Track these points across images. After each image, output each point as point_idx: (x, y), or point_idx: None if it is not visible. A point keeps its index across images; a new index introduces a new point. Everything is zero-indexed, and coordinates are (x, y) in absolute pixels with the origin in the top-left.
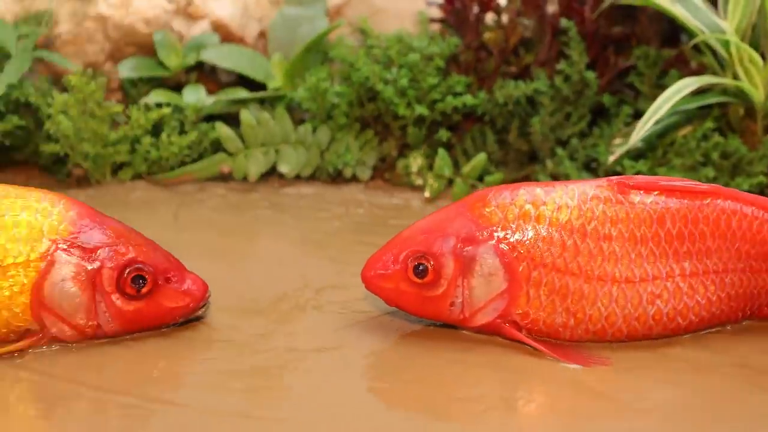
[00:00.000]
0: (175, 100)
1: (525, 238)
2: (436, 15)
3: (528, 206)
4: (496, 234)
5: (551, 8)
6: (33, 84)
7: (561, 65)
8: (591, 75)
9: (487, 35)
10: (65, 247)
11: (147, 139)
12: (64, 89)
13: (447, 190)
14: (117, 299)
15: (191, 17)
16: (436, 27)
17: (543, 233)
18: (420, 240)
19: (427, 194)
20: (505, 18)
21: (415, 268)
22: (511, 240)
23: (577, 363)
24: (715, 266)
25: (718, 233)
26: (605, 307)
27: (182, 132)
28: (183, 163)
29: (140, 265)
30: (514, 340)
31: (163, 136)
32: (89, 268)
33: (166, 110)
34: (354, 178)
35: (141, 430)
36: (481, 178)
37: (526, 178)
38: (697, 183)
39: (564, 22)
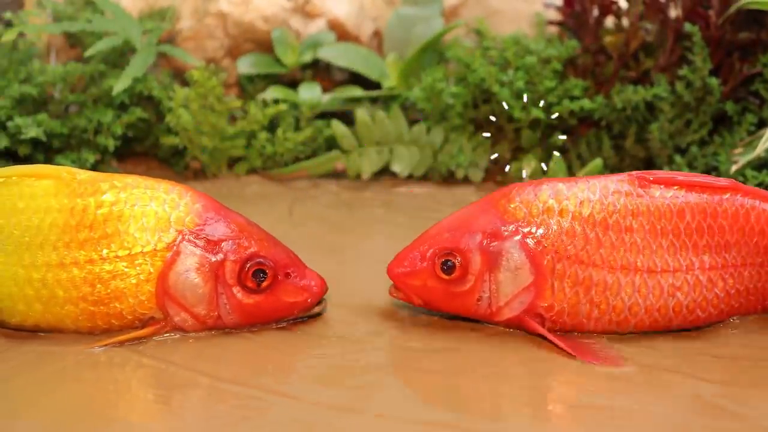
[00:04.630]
0: (291, 97)
1: (549, 232)
2: (553, 17)
3: (551, 201)
4: (521, 229)
5: (674, 12)
6: (155, 78)
7: (683, 71)
8: (714, 81)
9: (608, 39)
10: (191, 238)
11: (263, 135)
12: (184, 83)
13: None
14: (237, 292)
15: (308, 15)
16: (553, 29)
17: (566, 227)
18: (447, 237)
19: None
20: (625, 22)
21: (443, 264)
22: (536, 234)
23: (592, 361)
24: (733, 260)
25: (736, 227)
26: (628, 297)
27: (297, 128)
28: (297, 159)
29: (261, 260)
30: (536, 334)
31: (279, 131)
32: (213, 260)
33: (283, 106)
34: (466, 180)
35: (255, 420)
36: None
37: None
38: (717, 179)
39: (688, 27)
